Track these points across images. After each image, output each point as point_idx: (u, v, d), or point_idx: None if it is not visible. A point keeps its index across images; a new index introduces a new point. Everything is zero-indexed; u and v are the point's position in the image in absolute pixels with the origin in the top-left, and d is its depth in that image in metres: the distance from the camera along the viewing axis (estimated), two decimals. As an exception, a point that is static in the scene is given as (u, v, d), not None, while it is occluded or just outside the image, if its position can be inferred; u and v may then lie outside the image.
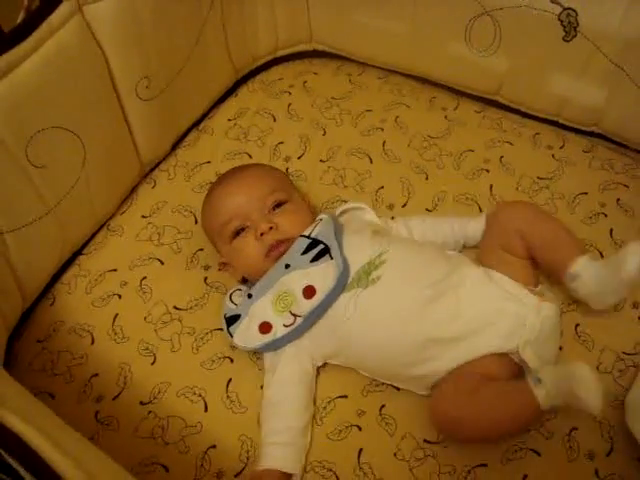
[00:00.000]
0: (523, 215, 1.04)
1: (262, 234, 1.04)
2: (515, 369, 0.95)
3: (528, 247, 1.01)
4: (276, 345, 1.00)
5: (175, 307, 1.13)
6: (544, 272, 1.05)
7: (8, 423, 0.62)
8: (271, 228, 1.04)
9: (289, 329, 0.99)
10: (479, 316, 0.95)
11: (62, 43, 0.99)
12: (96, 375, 1.06)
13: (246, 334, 1.01)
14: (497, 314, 0.95)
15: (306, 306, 0.98)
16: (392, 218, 1.16)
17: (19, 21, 0.95)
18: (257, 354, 1.05)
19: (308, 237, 1.03)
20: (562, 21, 1.15)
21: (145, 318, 1.12)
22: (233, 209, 1.06)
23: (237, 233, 1.06)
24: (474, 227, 1.11)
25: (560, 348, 1.01)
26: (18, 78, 0.93)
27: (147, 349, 1.09)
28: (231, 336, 1.02)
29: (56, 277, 1.18)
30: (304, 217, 1.09)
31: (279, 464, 0.92)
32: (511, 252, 1.02)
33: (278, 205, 1.08)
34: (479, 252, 1.09)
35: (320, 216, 1.07)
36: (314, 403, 1.01)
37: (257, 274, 1.04)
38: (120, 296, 1.15)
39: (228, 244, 1.07)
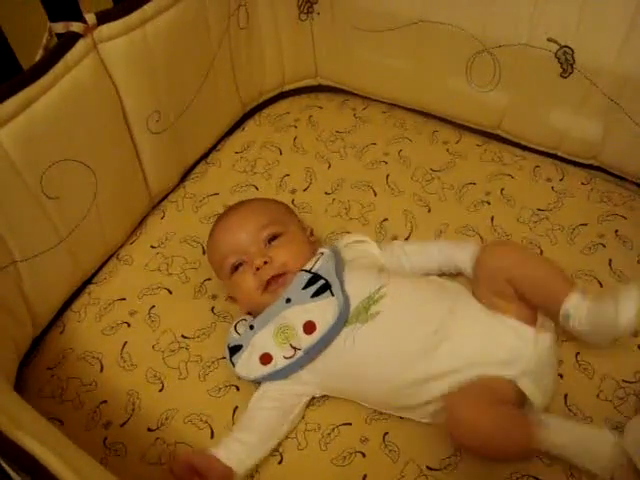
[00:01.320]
0: (508, 261, 1.01)
1: (258, 269, 1.05)
2: (519, 396, 0.96)
3: (519, 291, 0.98)
4: (276, 376, 1.02)
5: (183, 336, 1.15)
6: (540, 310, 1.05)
7: (26, 445, 0.63)
8: (266, 262, 1.05)
9: (289, 361, 1.00)
10: (477, 350, 0.96)
11: (77, 79, 1.03)
12: (105, 402, 1.08)
13: (248, 364, 1.03)
14: (495, 347, 0.96)
15: (306, 341, 1.00)
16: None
17: (38, 58, 0.99)
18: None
19: (309, 272, 1.04)
20: (559, 58, 1.18)
21: (153, 346, 1.14)
22: (230, 245, 1.08)
23: (236, 268, 1.08)
24: (462, 260, 1.10)
25: (560, 376, 1.03)
26: (36, 112, 0.97)
27: (155, 376, 1.10)
28: (233, 365, 1.04)
29: (66, 305, 1.20)
30: (300, 248, 1.10)
31: (222, 454, 0.93)
32: (503, 298, 0.99)
33: (273, 238, 1.09)
34: (473, 292, 1.05)
35: (321, 250, 1.08)
36: (318, 428, 1.02)
37: (257, 308, 1.06)
38: (129, 324, 1.17)
39: (228, 279, 1.09)
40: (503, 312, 0.99)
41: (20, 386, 1.09)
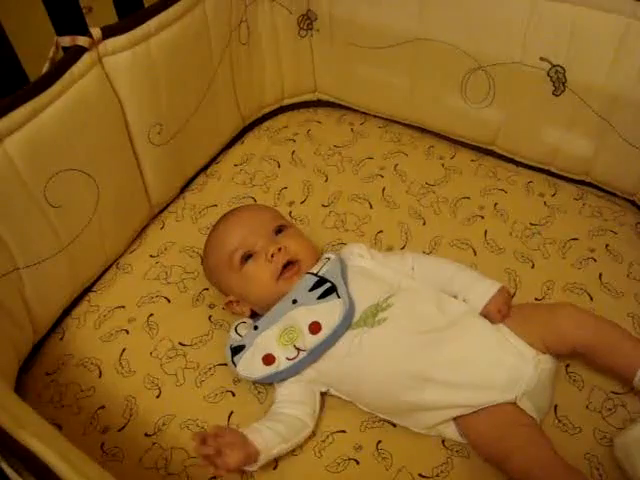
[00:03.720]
0: (585, 331, 0.99)
1: (272, 255, 1.07)
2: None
3: (588, 357, 1.01)
4: (278, 377, 1.03)
5: (180, 343, 1.16)
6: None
7: (31, 446, 0.65)
8: (280, 249, 1.08)
9: (292, 362, 1.01)
10: (478, 365, 0.98)
11: (82, 91, 1.05)
12: (103, 407, 1.09)
13: (250, 364, 1.04)
14: (496, 364, 0.98)
15: (311, 341, 1.01)
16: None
17: (44, 71, 1.01)
18: (258, 388, 1.09)
19: (316, 275, 1.06)
20: (551, 77, 1.21)
21: (151, 353, 1.15)
22: (239, 238, 1.10)
23: (245, 260, 1.09)
24: (474, 300, 1.06)
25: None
26: (41, 123, 0.99)
27: (153, 383, 1.11)
28: (235, 365, 1.05)
29: (66, 312, 1.21)
30: (307, 241, 1.14)
31: (252, 436, 0.94)
32: (550, 349, 1.00)
33: (280, 230, 1.12)
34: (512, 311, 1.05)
35: (327, 255, 1.10)
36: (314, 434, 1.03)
37: (269, 299, 1.07)
38: (128, 332, 1.19)
39: (238, 272, 1.09)
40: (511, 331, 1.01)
41: (19, 391, 1.10)
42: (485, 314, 1.04)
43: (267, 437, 0.95)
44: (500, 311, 1.04)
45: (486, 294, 1.05)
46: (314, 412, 1.02)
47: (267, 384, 1.08)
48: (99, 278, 1.27)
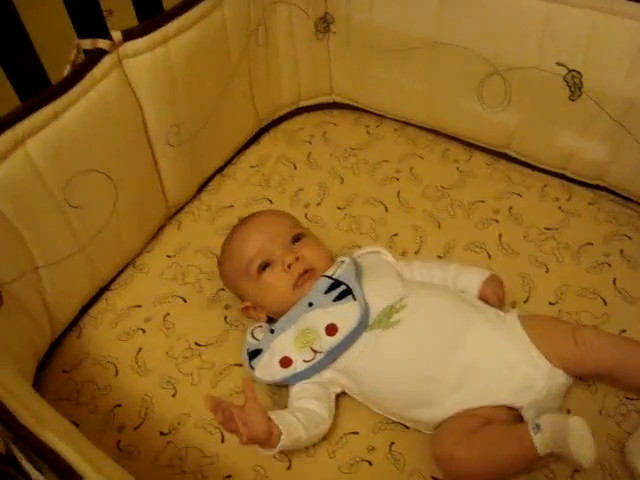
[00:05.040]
0: (609, 354, 0.99)
1: (289, 265, 1.09)
2: (516, 415, 0.98)
3: (609, 377, 1.02)
4: (296, 379, 1.04)
5: (196, 343, 1.17)
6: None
7: (54, 445, 0.66)
8: (297, 259, 1.09)
9: (309, 364, 1.02)
10: (492, 367, 0.98)
11: (102, 93, 1.06)
12: (119, 405, 1.10)
13: (267, 368, 1.05)
14: (508, 370, 0.98)
15: (328, 343, 1.02)
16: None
17: (65, 74, 1.03)
18: (273, 389, 1.09)
19: (330, 277, 1.07)
20: (568, 82, 1.21)
21: (167, 353, 1.17)
22: (257, 246, 1.11)
23: (263, 269, 1.11)
24: (470, 285, 1.12)
25: (564, 395, 1.04)
26: (62, 124, 1.01)
27: (168, 382, 1.13)
28: (252, 369, 1.06)
29: (84, 310, 1.23)
30: (324, 249, 1.16)
31: (274, 416, 0.95)
32: (568, 370, 0.99)
33: (297, 239, 1.13)
34: (532, 322, 1.05)
35: (341, 258, 1.11)
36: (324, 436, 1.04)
37: (285, 306, 1.08)
38: (144, 331, 1.20)
39: (255, 280, 1.11)
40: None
41: (37, 388, 1.11)
42: (481, 296, 1.10)
43: (289, 421, 0.96)
44: (495, 292, 1.10)
45: (480, 277, 1.12)
46: (331, 410, 1.03)
47: (282, 386, 1.08)
48: (116, 277, 1.28)
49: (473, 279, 1.12)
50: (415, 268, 1.16)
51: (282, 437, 0.93)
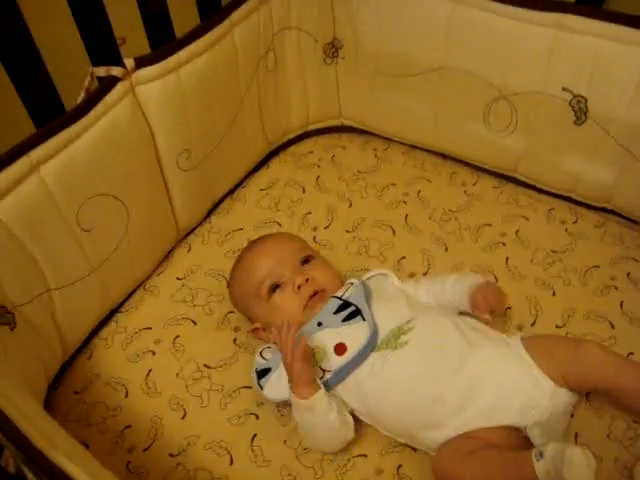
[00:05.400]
0: (611, 371, 0.98)
1: (299, 287, 1.10)
2: (521, 441, 0.97)
3: (609, 396, 1.01)
4: None
5: (205, 365, 1.18)
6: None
7: (66, 468, 0.67)
8: (307, 280, 1.10)
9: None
10: (495, 388, 0.98)
11: (115, 119, 1.09)
12: (129, 427, 1.11)
13: (276, 386, 1.05)
14: (511, 391, 0.98)
15: (337, 362, 1.03)
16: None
17: (79, 100, 1.05)
18: (282, 412, 1.10)
19: (340, 298, 1.09)
20: (573, 107, 1.23)
21: (177, 374, 1.17)
22: (267, 268, 1.12)
23: (273, 290, 1.12)
24: (461, 289, 1.11)
25: (571, 415, 1.04)
26: (76, 150, 1.03)
27: (178, 404, 1.13)
28: (261, 388, 1.07)
29: (94, 332, 1.24)
30: (333, 270, 1.17)
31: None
32: (570, 385, 0.99)
33: (307, 261, 1.15)
34: (535, 342, 1.05)
35: (350, 280, 1.12)
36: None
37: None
38: (154, 353, 1.21)
39: (265, 302, 1.12)
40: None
41: (48, 408, 1.12)
42: (471, 302, 1.08)
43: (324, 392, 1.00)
44: (485, 298, 1.06)
45: (472, 283, 1.10)
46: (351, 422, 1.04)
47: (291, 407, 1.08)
48: (127, 299, 1.29)
49: (464, 287, 1.11)
50: (419, 287, 1.16)
51: (319, 392, 0.98)
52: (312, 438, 1.05)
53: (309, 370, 1.00)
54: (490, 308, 1.06)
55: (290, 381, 1.01)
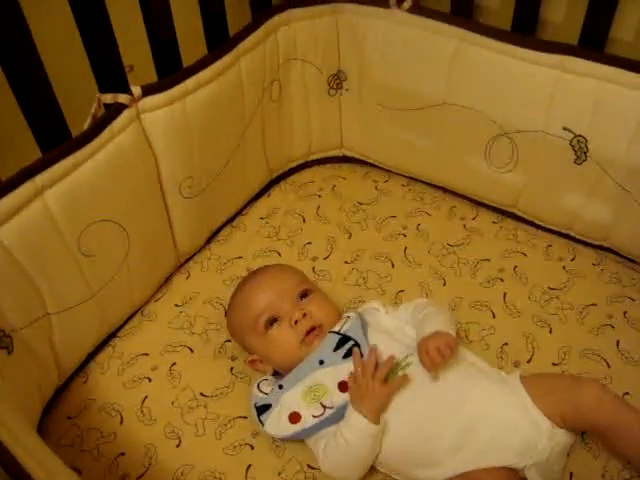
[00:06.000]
0: (609, 413, 0.97)
1: (296, 322, 1.10)
2: (518, 478, 0.98)
3: (603, 437, 1.01)
4: (304, 434, 1.04)
5: (201, 394, 1.18)
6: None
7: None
8: (304, 315, 1.10)
9: (318, 420, 1.03)
10: (493, 428, 0.98)
11: (120, 146, 1.10)
12: (123, 454, 1.10)
13: (277, 423, 1.05)
14: (509, 431, 0.98)
15: (340, 399, 1.03)
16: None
17: (85, 127, 1.06)
18: (276, 442, 1.09)
19: (338, 333, 1.09)
20: (573, 146, 1.24)
21: (173, 402, 1.17)
22: (265, 302, 1.12)
23: (270, 324, 1.12)
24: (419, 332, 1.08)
25: (567, 454, 1.04)
26: (80, 176, 1.04)
27: (173, 432, 1.13)
28: (262, 424, 1.06)
29: (91, 356, 1.23)
30: (330, 305, 1.16)
31: None
32: (567, 424, 0.99)
33: (305, 295, 1.15)
34: (534, 380, 1.06)
35: (347, 314, 1.13)
36: None
37: (292, 362, 1.08)
38: (150, 379, 1.21)
39: (262, 336, 1.12)
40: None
41: (41, 433, 1.11)
42: (420, 348, 1.03)
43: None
44: (437, 348, 1.00)
45: (431, 329, 1.05)
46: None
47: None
48: (124, 325, 1.29)
49: (422, 330, 1.07)
50: (414, 311, 1.15)
51: (381, 423, 0.99)
52: (350, 467, 1.03)
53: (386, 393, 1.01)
54: (433, 368, 1.02)
55: (367, 407, 0.99)
